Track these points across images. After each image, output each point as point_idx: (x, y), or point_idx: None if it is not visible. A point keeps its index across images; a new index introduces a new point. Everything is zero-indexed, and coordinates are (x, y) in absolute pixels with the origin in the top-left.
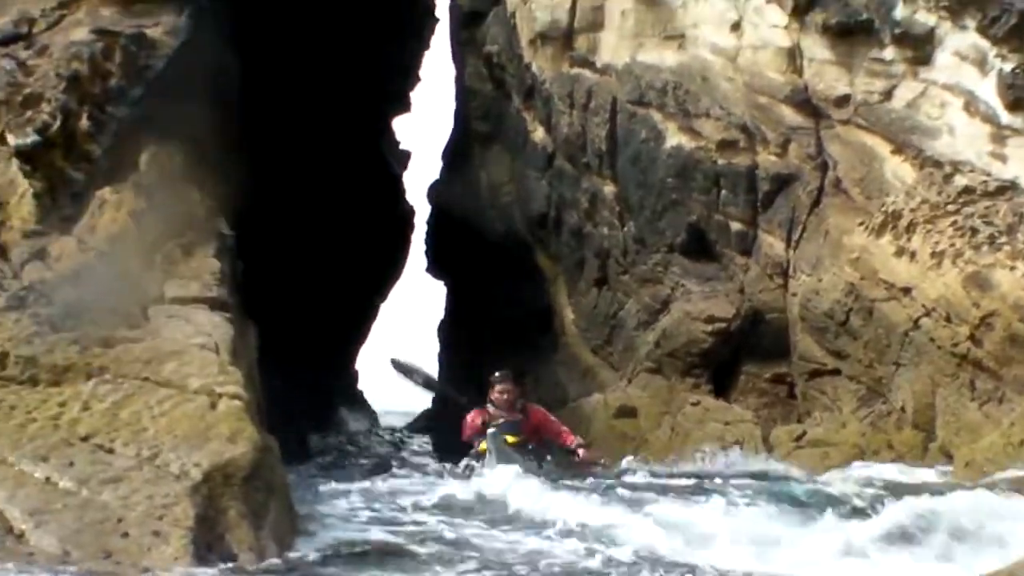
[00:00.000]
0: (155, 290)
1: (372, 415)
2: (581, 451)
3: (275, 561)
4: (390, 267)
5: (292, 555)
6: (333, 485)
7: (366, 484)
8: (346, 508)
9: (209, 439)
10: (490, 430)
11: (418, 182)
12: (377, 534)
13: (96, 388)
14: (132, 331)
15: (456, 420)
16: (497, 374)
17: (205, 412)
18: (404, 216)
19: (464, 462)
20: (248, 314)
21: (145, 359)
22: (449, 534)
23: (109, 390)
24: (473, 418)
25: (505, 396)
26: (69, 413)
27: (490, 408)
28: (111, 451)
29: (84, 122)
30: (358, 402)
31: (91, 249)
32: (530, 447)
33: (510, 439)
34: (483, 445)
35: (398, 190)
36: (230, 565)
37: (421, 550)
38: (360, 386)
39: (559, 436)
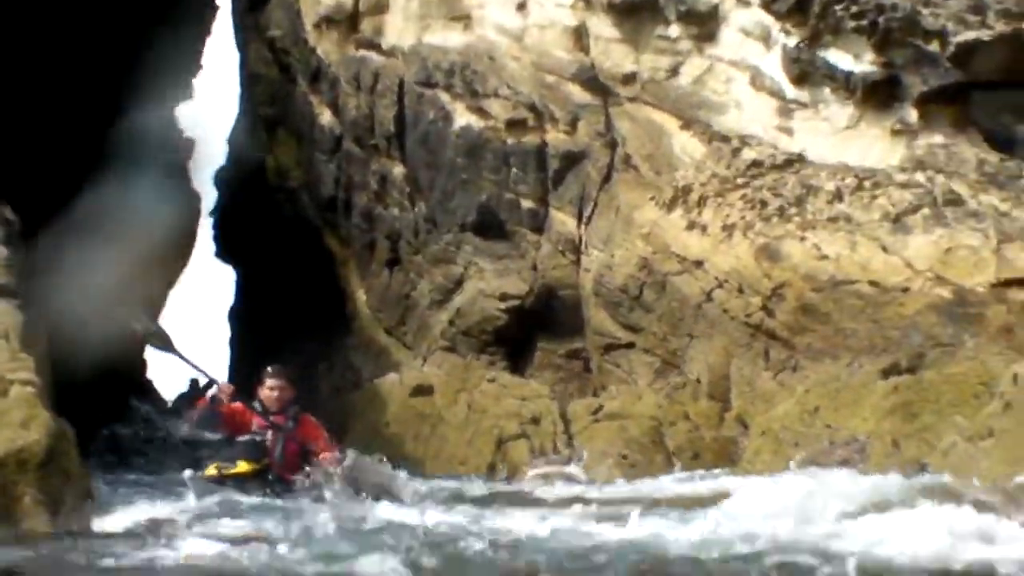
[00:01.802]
0: None
1: (163, 404)
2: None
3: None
4: (177, 255)
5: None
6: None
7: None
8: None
9: (1, 427)
10: (186, 473)
11: (204, 170)
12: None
13: None
14: None
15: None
16: (269, 368)
17: None
18: (190, 204)
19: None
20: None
21: None
22: None
23: None
24: (236, 414)
25: (276, 394)
26: None
27: (256, 408)
28: None
29: None
30: (147, 391)
31: None
32: (270, 477)
33: (243, 466)
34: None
35: (183, 178)
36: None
37: None
38: (149, 375)
39: (318, 452)
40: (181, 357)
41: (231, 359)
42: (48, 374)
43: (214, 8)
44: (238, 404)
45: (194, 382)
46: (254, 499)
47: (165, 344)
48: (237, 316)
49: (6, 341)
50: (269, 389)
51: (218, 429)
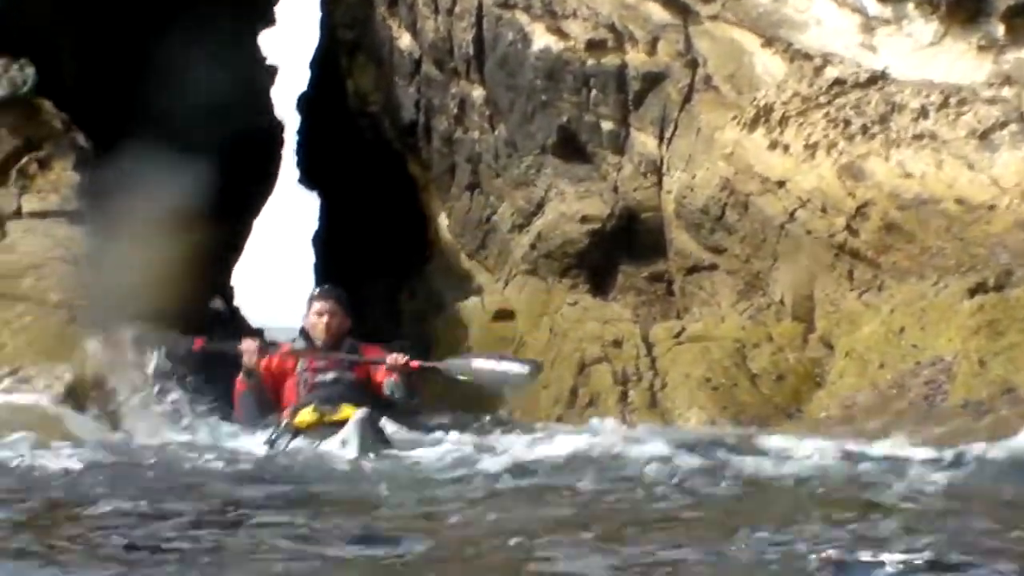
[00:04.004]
0: (11, 205)
1: (253, 331)
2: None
3: None
4: (261, 183)
5: None
6: None
7: None
8: None
9: (72, 351)
10: (303, 403)
11: (288, 96)
12: None
13: None
14: None
15: None
16: (317, 289)
17: (66, 325)
18: (273, 131)
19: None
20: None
21: (2, 275)
22: None
23: None
24: (272, 363)
25: (325, 320)
26: None
27: (300, 343)
28: None
29: None
30: (235, 320)
31: None
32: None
33: (349, 411)
34: (302, 417)
35: (266, 105)
36: None
37: None
38: (236, 303)
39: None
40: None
41: (316, 284)
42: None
43: None
44: (265, 358)
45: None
46: None
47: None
48: (321, 242)
49: (76, 267)
50: (316, 315)
51: (266, 404)
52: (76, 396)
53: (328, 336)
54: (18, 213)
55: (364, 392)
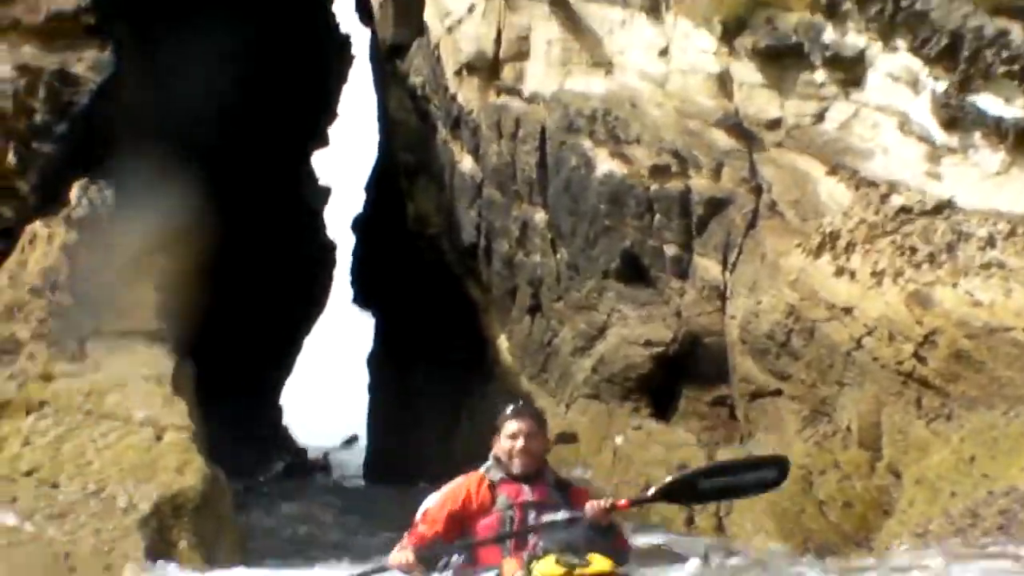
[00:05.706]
0: (92, 324)
1: (299, 451)
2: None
3: None
4: (312, 301)
5: None
6: None
7: None
8: None
9: (156, 471)
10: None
11: (340, 216)
12: None
13: (37, 423)
14: (71, 365)
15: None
16: (510, 407)
17: (151, 444)
18: (325, 250)
19: None
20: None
21: (86, 392)
22: None
23: (50, 424)
24: (462, 492)
25: (522, 442)
26: (10, 449)
27: (495, 473)
28: (55, 486)
29: (10, 158)
30: (283, 438)
31: (24, 285)
32: None
33: (602, 564)
34: (542, 570)
35: (318, 225)
36: None
37: None
38: (285, 422)
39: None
40: None
41: (370, 405)
42: (199, 418)
43: (351, 57)
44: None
45: None
46: None
47: None
48: (376, 361)
49: (158, 386)
50: (511, 437)
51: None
52: (160, 516)
53: (530, 461)
54: (98, 332)
55: (607, 537)
